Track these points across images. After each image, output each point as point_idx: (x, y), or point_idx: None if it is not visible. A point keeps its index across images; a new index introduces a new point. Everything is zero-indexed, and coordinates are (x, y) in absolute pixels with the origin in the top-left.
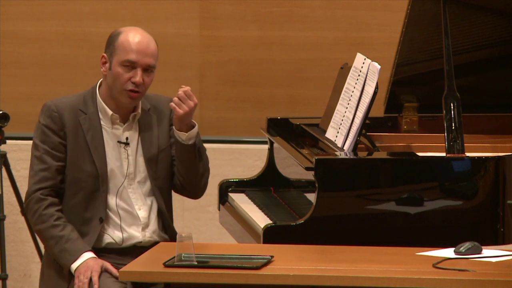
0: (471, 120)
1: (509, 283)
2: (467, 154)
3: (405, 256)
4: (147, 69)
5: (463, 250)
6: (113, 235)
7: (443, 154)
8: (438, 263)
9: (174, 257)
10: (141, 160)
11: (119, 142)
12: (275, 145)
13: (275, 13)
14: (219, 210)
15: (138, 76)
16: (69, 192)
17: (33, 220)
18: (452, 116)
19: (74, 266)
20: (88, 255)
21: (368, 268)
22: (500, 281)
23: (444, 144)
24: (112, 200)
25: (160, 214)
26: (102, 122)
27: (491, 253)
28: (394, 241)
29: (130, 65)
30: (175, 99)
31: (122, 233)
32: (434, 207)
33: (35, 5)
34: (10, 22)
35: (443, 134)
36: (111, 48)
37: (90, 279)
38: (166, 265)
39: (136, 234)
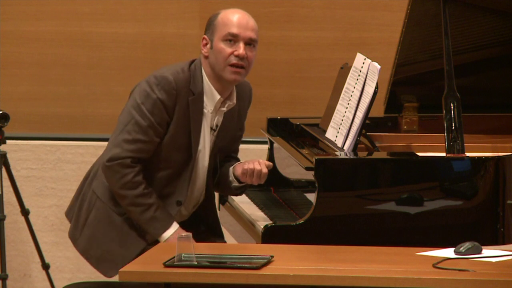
0: (471, 120)
1: (509, 283)
2: (467, 154)
3: (405, 256)
4: (250, 43)
5: (463, 250)
6: (180, 218)
7: (443, 154)
8: (438, 263)
9: (174, 257)
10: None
11: (211, 128)
12: (275, 145)
13: (275, 13)
14: (219, 210)
15: (241, 49)
16: (158, 166)
17: (119, 183)
18: (452, 116)
19: (165, 235)
20: (176, 225)
21: (368, 268)
22: (500, 281)
23: (444, 144)
24: (193, 185)
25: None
26: (204, 104)
27: (491, 253)
28: (394, 241)
29: (233, 39)
30: (251, 168)
31: (185, 211)
32: (434, 207)
33: (35, 5)
34: (10, 22)
35: (443, 134)
36: (211, 27)
37: None
38: (166, 265)
39: (185, 213)
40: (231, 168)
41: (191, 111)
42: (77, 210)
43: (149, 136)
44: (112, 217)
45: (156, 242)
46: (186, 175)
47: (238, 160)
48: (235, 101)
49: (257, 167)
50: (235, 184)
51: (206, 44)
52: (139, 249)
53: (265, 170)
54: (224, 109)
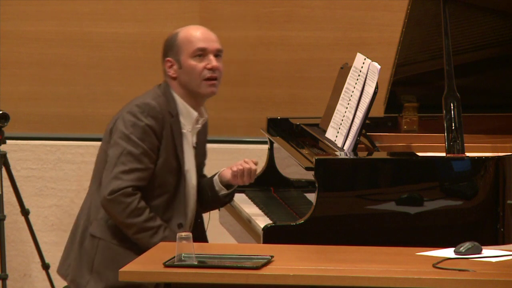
0: (471, 120)
1: (509, 283)
2: (467, 154)
3: (405, 256)
4: (217, 54)
5: (463, 250)
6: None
7: (443, 154)
8: (438, 263)
9: (174, 257)
10: None
11: (193, 147)
12: (275, 145)
13: (275, 13)
14: (219, 210)
15: (213, 61)
16: (154, 193)
17: (126, 213)
18: (452, 116)
19: None
20: None
21: (368, 268)
22: (500, 281)
23: (444, 144)
24: (189, 204)
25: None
26: (182, 125)
27: (491, 253)
28: (394, 241)
29: (202, 53)
30: (240, 169)
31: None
32: (434, 207)
33: (35, 5)
34: (10, 22)
35: (443, 134)
36: (175, 48)
37: None
38: (166, 265)
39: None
40: (215, 178)
41: (175, 134)
42: (77, 261)
43: (144, 163)
44: (119, 252)
45: None
46: (180, 197)
47: (205, 176)
48: (206, 116)
49: (246, 166)
50: (224, 192)
51: (172, 65)
52: None
53: (254, 167)
54: (199, 125)
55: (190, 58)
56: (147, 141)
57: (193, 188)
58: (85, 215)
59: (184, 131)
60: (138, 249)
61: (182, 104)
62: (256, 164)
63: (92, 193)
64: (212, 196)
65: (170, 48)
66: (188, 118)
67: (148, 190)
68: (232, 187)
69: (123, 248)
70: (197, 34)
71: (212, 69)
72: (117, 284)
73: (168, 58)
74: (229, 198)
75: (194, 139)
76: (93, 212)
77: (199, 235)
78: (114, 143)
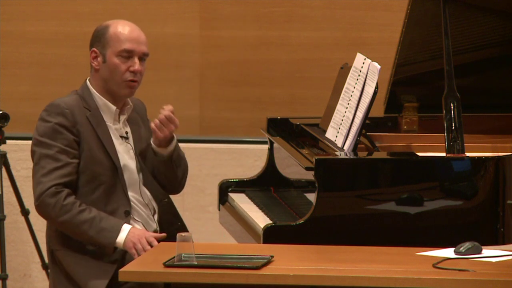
0: (471, 120)
1: (509, 283)
2: (467, 154)
3: (405, 256)
4: (142, 58)
5: (463, 250)
6: (141, 226)
7: (443, 154)
8: (438, 263)
9: (174, 257)
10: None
11: (121, 136)
12: (275, 145)
13: (275, 13)
14: (219, 210)
15: (136, 65)
16: (88, 188)
17: (55, 213)
18: (452, 116)
19: (120, 240)
20: (127, 226)
21: (368, 268)
22: (500, 281)
23: (444, 144)
24: (132, 195)
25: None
26: (104, 118)
27: (491, 253)
28: (394, 241)
29: (127, 55)
30: (156, 121)
31: (145, 226)
32: (434, 207)
33: (35, 5)
34: (10, 22)
35: (443, 134)
36: (102, 41)
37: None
38: (166, 265)
39: (152, 224)
40: (151, 148)
41: (95, 126)
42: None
43: (62, 160)
44: (72, 258)
45: (123, 259)
46: (119, 186)
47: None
48: (131, 103)
49: (161, 116)
50: (165, 150)
51: (96, 57)
52: (110, 275)
53: (167, 113)
54: (125, 115)
55: (115, 57)
56: (59, 139)
57: (134, 175)
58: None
59: (108, 123)
60: (85, 251)
61: (100, 99)
62: (170, 110)
63: None
64: (160, 163)
65: (98, 39)
66: (108, 113)
67: (82, 185)
68: (169, 142)
69: (75, 252)
70: (126, 32)
71: (134, 72)
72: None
73: (94, 49)
74: (176, 153)
75: (126, 129)
76: (48, 229)
77: (172, 215)
78: (31, 151)
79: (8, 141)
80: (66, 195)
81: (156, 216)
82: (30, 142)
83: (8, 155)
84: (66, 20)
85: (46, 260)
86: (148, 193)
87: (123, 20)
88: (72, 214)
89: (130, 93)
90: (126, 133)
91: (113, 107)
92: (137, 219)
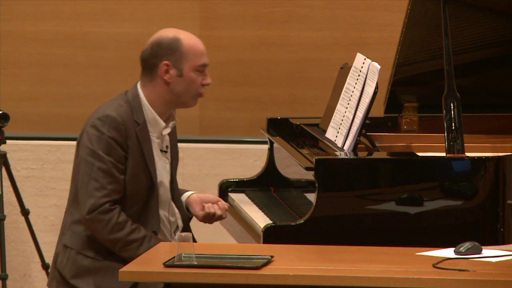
0: (471, 120)
1: (509, 283)
2: (467, 154)
3: (405, 256)
4: None
5: (463, 250)
6: None
7: (443, 154)
8: (438, 263)
9: (174, 257)
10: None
11: (162, 150)
12: (275, 145)
13: (275, 13)
14: None
15: (209, 78)
16: (126, 204)
17: (107, 230)
18: (452, 116)
19: None
20: None
21: (368, 268)
22: (500, 281)
23: (444, 144)
24: (162, 212)
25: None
26: (149, 132)
27: (491, 253)
28: (394, 241)
29: (203, 69)
30: (217, 214)
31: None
32: (434, 207)
33: (35, 5)
34: (10, 22)
35: (443, 134)
36: (177, 54)
37: None
38: (166, 265)
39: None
40: (184, 199)
41: (141, 141)
42: (57, 276)
43: (114, 176)
44: (84, 264)
45: None
46: (152, 205)
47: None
48: (176, 119)
49: (218, 212)
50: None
51: (168, 70)
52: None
53: (225, 216)
54: (169, 129)
55: (193, 71)
56: (113, 154)
57: (166, 193)
58: (64, 225)
59: (152, 137)
60: (103, 262)
61: (150, 113)
62: (226, 210)
63: (66, 210)
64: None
65: (171, 52)
66: (156, 126)
67: (121, 201)
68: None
69: (91, 258)
70: (200, 47)
71: (206, 85)
72: None
73: (166, 62)
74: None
75: (166, 143)
76: (67, 223)
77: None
78: (83, 160)
79: (8, 141)
80: (119, 212)
81: (178, 233)
82: (30, 142)
83: (8, 155)
84: (66, 20)
85: (46, 260)
86: (176, 211)
87: (184, 31)
88: (125, 232)
89: (195, 103)
90: (167, 147)
91: (162, 123)
92: (159, 237)
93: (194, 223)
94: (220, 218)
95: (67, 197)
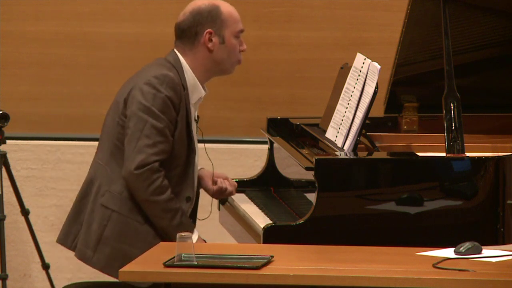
0: (471, 120)
1: (509, 283)
2: (467, 154)
3: (405, 256)
4: None
5: (463, 250)
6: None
7: (443, 154)
8: (438, 263)
9: (174, 257)
10: None
11: (195, 120)
12: (275, 145)
13: (275, 13)
14: (219, 210)
15: (244, 44)
16: (168, 165)
17: (151, 189)
18: (452, 116)
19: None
20: (197, 231)
21: (368, 268)
22: (500, 281)
23: (444, 144)
24: (195, 178)
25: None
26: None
27: (491, 253)
28: (394, 241)
29: (240, 35)
30: (224, 188)
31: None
32: (434, 207)
33: (35, 5)
34: (10, 22)
35: (443, 134)
36: (218, 22)
37: None
38: (166, 265)
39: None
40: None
41: (187, 106)
42: (84, 231)
43: (166, 136)
44: (135, 227)
45: None
46: (190, 170)
47: None
48: (207, 90)
49: (230, 188)
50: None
51: (211, 38)
52: None
53: (234, 193)
54: (201, 101)
55: (233, 38)
56: (167, 113)
57: (197, 160)
58: (94, 186)
59: (191, 103)
60: (153, 226)
61: (192, 78)
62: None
63: (99, 166)
64: None
65: (213, 19)
66: (195, 93)
67: (166, 162)
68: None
69: (139, 223)
70: (237, 13)
71: (242, 51)
72: (132, 257)
73: (209, 30)
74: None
75: (196, 113)
76: (105, 184)
77: (193, 211)
78: (134, 115)
79: (8, 141)
80: (163, 176)
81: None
82: (30, 142)
83: (8, 155)
84: (66, 20)
85: (46, 260)
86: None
87: (221, 0)
88: (165, 198)
89: (234, 70)
90: (198, 116)
91: (202, 90)
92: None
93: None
94: (230, 194)
95: (66, 197)
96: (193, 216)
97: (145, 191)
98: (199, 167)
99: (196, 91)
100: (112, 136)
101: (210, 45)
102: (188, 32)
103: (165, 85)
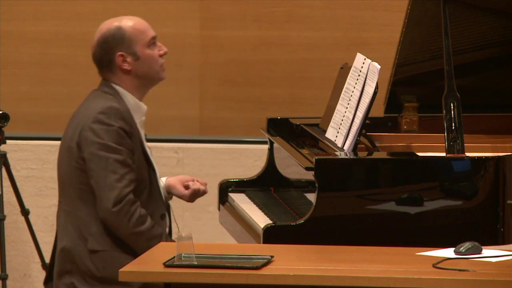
0: (471, 120)
1: (509, 283)
2: (467, 154)
3: (405, 256)
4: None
5: (463, 250)
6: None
7: (443, 154)
8: (438, 263)
9: (174, 257)
10: None
11: (146, 139)
12: (275, 145)
13: (275, 13)
14: (219, 210)
15: (163, 47)
16: (137, 191)
17: (132, 222)
18: (452, 116)
19: None
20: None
21: (368, 268)
22: (500, 281)
23: (444, 144)
24: (162, 193)
25: None
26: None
27: (491, 253)
28: (394, 241)
29: (154, 41)
30: (197, 188)
31: (175, 225)
32: (434, 207)
33: (35, 5)
34: (10, 22)
35: (443, 134)
36: (125, 42)
37: None
38: (166, 265)
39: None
40: (163, 186)
41: (135, 129)
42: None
43: (130, 165)
44: (120, 261)
45: None
46: (155, 188)
47: None
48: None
49: (202, 188)
50: (167, 199)
51: (125, 59)
52: None
53: (207, 191)
54: (144, 117)
55: (146, 48)
56: (124, 144)
57: (158, 176)
58: (70, 235)
59: (138, 124)
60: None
61: (132, 99)
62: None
63: (68, 213)
64: None
65: (119, 42)
66: (138, 113)
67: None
68: (171, 196)
69: (127, 254)
70: (142, 23)
71: (164, 55)
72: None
73: (119, 53)
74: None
75: (143, 131)
76: (84, 230)
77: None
78: (93, 155)
79: (8, 141)
80: (139, 205)
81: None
82: (30, 142)
83: (8, 155)
84: (66, 20)
85: (46, 260)
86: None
87: (120, 16)
88: (148, 226)
89: (165, 76)
90: (145, 134)
91: (144, 106)
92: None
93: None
94: (204, 193)
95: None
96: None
97: (127, 225)
98: (163, 178)
99: (139, 110)
100: (74, 181)
101: (126, 66)
102: (103, 62)
103: (113, 117)
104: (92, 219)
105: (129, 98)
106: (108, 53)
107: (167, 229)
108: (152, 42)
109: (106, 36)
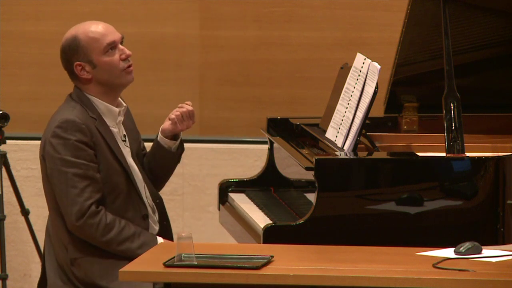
0: (471, 120)
1: (509, 283)
2: (467, 154)
3: (405, 256)
4: (122, 42)
5: (463, 250)
6: (154, 229)
7: (443, 154)
8: (438, 263)
9: (174, 257)
10: None
11: (122, 140)
12: (275, 145)
13: (275, 13)
14: (219, 210)
15: (125, 50)
16: (109, 199)
17: (99, 232)
18: (452, 116)
19: None
20: (160, 239)
21: (368, 268)
22: (500, 281)
23: (444, 144)
24: (145, 196)
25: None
26: (107, 124)
27: (491, 253)
28: (394, 241)
29: (111, 47)
30: (178, 114)
31: (159, 226)
32: (434, 207)
33: (35, 5)
34: (10, 22)
35: (443, 134)
36: (81, 51)
37: None
38: (166, 265)
39: (155, 226)
40: (159, 138)
41: (103, 135)
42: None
43: (91, 177)
44: (106, 263)
45: None
46: (134, 191)
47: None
48: (125, 104)
49: (183, 109)
50: (174, 144)
51: (83, 68)
52: None
53: (190, 108)
54: (122, 117)
55: (103, 55)
56: (82, 156)
57: (139, 177)
58: (52, 239)
59: (111, 128)
60: (114, 256)
61: (101, 104)
62: (190, 105)
63: (50, 218)
64: (164, 157)
65: (75, 52)
66: (111, 116)
67: (104, 197)
68: (178, 137)
69: (108, 259)
70: (98, 30)
71: (126, 58)
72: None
73: (76, 63)
74: (181, 149)
75: (122, 131)
76: (63, 238)
77: (162, 215)
78: (53, 170)
79: (8, 141)
80: (104, 213)
81: (156, 216)
82: (30, 142)
83: (8, 155)
84: (66, 20)
85: None
86: (148, 193)
87: (81, 23)
88: (116, 232)
89: (132, 78)
90: (124, 135)
91: (116, 109)
92: (150, 221)
93: (195, 223)
94: (190, 113)
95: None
96: (164, 218)
97: (95, 235)
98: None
99: (111, 114)
100: (48, 191)
101: (85, 75)
102: (67, 71)
103: (69, 131)
104: (67, 229)
105: (98, 104)
106: (68, 64)
107: (158, 226)
108: (109, 48)
109: (64, 46)
